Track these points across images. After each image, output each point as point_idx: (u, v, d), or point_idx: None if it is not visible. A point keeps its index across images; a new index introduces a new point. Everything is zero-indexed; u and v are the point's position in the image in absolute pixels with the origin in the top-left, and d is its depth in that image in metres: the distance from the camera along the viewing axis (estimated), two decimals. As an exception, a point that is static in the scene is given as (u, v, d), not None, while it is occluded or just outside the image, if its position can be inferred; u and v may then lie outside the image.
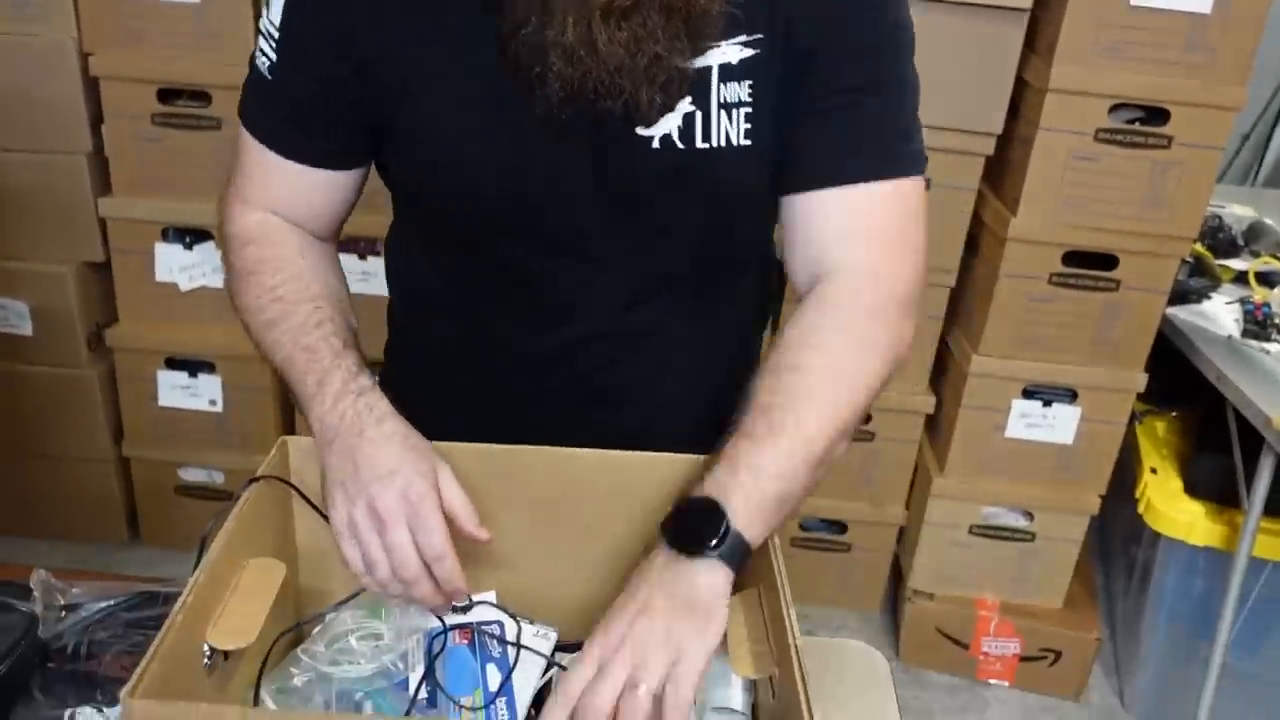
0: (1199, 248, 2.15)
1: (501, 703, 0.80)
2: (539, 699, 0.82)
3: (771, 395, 0.84)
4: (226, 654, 0.73)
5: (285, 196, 0.95)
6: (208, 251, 2.13)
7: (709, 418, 0.88)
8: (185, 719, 0.60)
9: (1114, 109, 1.86)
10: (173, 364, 2.24)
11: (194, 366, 2.23)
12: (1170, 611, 2.12)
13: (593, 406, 1.00)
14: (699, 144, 0.85)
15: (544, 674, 0.84)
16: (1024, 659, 2.22)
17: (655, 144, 0.85)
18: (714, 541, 0.75)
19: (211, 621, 0.72)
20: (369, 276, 2.12)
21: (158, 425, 2.29)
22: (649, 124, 0.84)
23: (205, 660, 0.71)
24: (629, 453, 0.89)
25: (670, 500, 0.83)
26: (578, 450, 0.89)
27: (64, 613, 0.99)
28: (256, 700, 0.77)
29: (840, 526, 2.33)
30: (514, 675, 0.82)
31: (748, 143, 0.86)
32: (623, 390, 1.00)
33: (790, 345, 0.86)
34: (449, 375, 1.05)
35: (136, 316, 2.22)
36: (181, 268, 2.14)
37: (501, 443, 0.90)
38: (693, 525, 0.77)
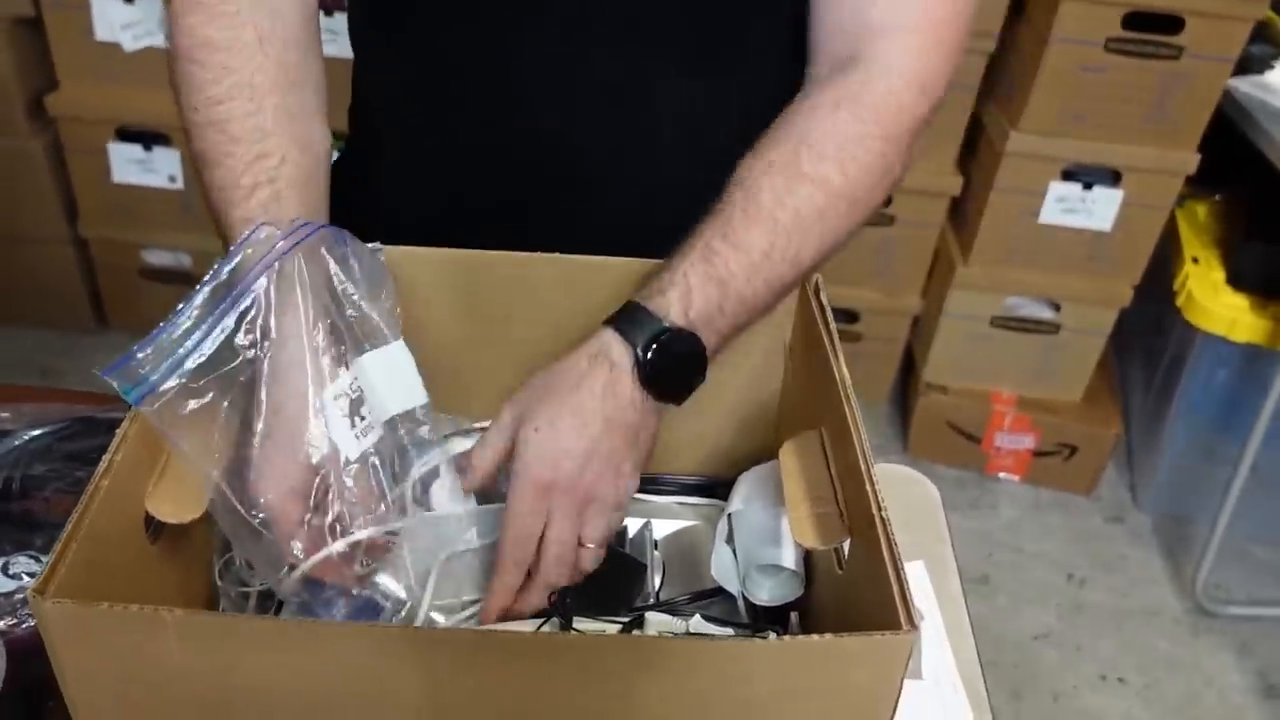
0: (1270, 11, 1.92)
1: None
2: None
3: (778, 203, 0.68)
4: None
5: None
6: (151, 5, 1.88)
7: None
8: (112, 626, 0.47)
9: None
10: (125, 135, 2.02)
11: (148, 139, 2.01)
12: (1194, 407, 2.03)
13: (569, 186, 0.82)
14: None
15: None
16: (1037, 454, 2.14)
17: None
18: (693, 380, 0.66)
19: (151, 481, 0.58)
20: (337, 36, 1.89)
21: (114, 203, 2.10)
22: None
23: (148, 533, 0.57)
24: (587, 257, 0.74)
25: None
26: (534, 255, 0.74)
27: (-7, 439, 0.85)
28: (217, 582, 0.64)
29: (851, 315, 2.20)
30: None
31: None
32: (605, 166, 0.82)
33: (816, 144, 0.69)
34: (411, 150, 0.88)
35: (78, 81, 1.98)
36: (123, 25, 1.89)
37: (470, 229, 0.75)
38: (669, 358, 0.65)
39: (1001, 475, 2.19)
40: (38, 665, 0.68)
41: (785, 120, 0.72)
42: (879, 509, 0.55)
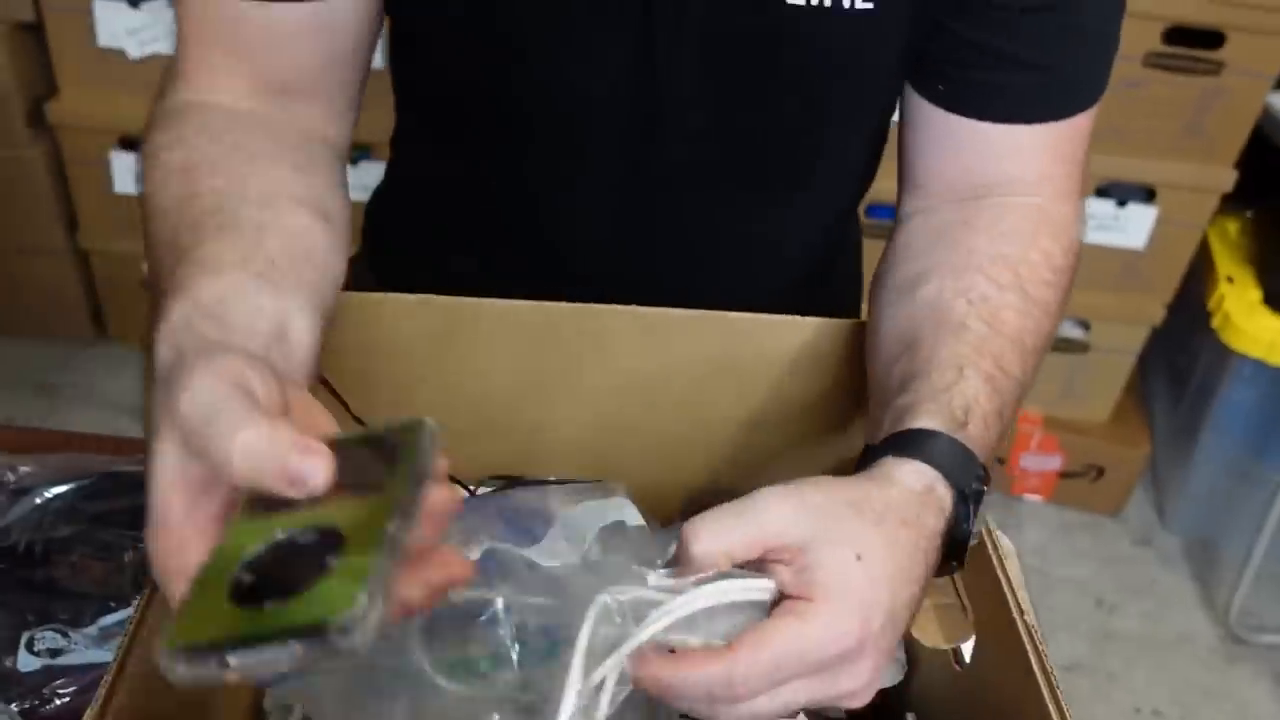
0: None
1: None
2: None
3: (1023, 327, 0.63)
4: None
5: (247, 52, 0.62)
6: (159, 11, 1.81)
7: None
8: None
9: None
10: (127, 144, 1.94)
11: (152, 148, 1.95)
12: (1227, 428, 1.99)
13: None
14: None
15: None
16: (1064, 475, 2.09)
17: None
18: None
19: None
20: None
21: (116, 214, 2.02)
22: None
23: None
24: (658, 309, 0.69)
25: (786, 369, 0.68)
26: (604, 307, 0.68)
27: (13, 496, 0.79)
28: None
29: (873, 332, 2.14)
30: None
31: (868, 6, 0.63)
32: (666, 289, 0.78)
33: (1036, 268, 0.65)
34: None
35: (80, 89, 1.91)
36: (129, 30, 1.82)
37: None
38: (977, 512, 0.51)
39: (1026, 497, 2.14)
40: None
41: (972, 240, 0.67)
42: (1021, 613, 0.50)
